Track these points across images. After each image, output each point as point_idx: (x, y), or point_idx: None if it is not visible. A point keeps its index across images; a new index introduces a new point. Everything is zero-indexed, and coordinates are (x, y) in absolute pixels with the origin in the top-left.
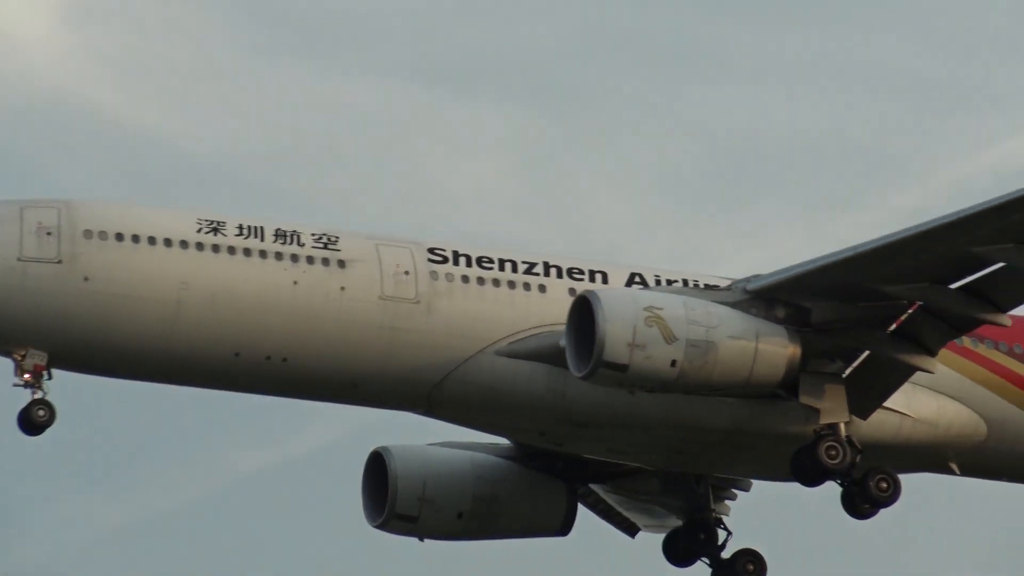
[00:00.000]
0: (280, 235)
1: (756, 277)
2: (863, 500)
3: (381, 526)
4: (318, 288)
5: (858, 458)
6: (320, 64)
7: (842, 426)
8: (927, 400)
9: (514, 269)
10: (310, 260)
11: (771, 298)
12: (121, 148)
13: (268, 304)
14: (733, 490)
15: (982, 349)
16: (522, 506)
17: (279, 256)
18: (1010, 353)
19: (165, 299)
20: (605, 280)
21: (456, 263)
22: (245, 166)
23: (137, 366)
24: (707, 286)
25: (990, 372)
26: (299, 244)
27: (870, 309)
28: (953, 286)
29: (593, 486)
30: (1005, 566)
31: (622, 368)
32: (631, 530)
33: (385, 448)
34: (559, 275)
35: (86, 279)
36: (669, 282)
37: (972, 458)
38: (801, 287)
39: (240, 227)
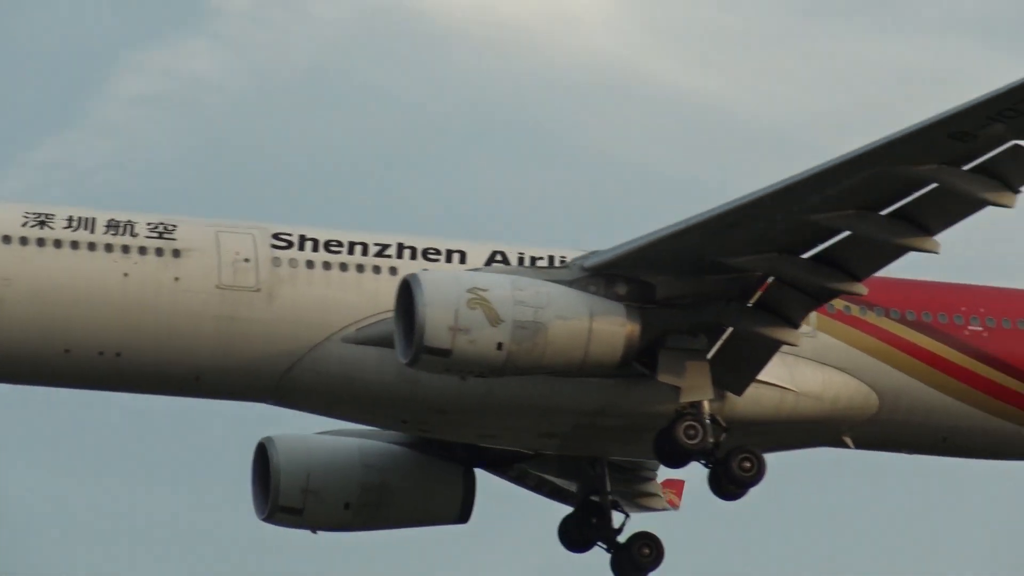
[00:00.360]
0: (112, 226)
1: (595, 253)
2: (727, 480)
3: (267, 519)
4: (150, 279)
5: (723, 437)
6: (867, 23)
7: (706, 404)
8: (811, 373)
9: (364, 252)
10: (142, 251)
11: (612, 274)
12: (680, 117)
13: (97, 298)
14: (651, 471)
15: (871, 317)
16: (414, 494)
17: (109, 248)
18: (902, 320)
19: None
20: (463, 259)
21: (301, 248)
22: (801, 130)
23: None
24: (550, 264)
25: (880, 341)
26: (132, 235)
27: (720, 282)
28: (806, 255)
29: (524, 466)
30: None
31: (445, 353)
32: None
33: (269, 439)
34: (413, 256)
35: None
36: (533, 260)
37: (866, 431)
38: (640, 262)
39: (70, 219)
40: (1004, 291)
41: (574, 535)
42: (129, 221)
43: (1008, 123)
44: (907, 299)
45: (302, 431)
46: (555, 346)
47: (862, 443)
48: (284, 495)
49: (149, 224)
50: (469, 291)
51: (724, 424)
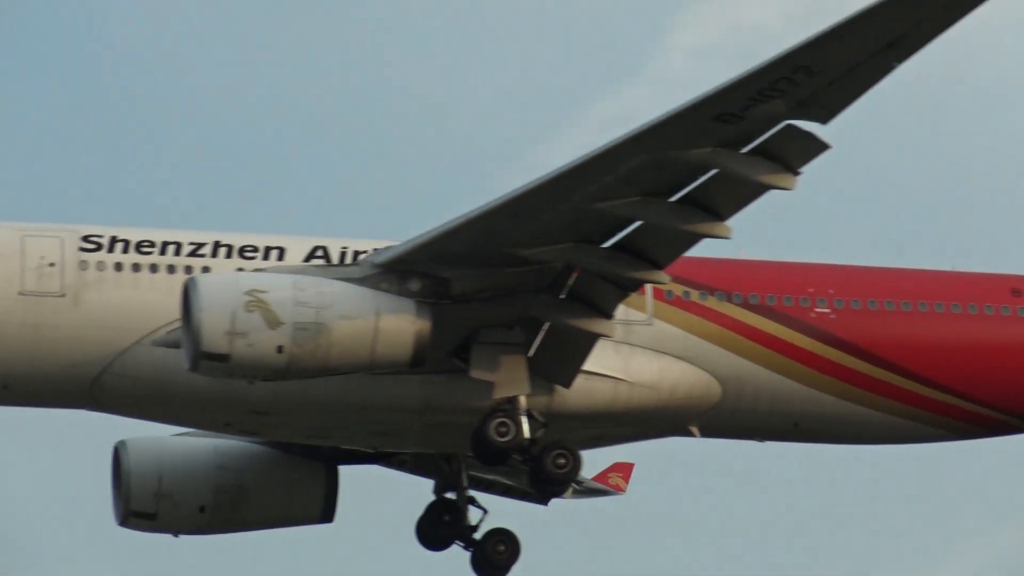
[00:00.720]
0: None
1: (388, 248)
2: (542, 478)
3: (123, 524)
4: None
5: (540, 433)
6: None
7: (522, 399)
8: (647, 362)
9: (177, 252)
10: None
11: (405, 270)
12: None
13: None
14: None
15: (712, 303)
16: (273, 495)
17: None
18: (745, 305)
19: None
20: (281, 256)
21: (111, 250)
22: None
23: None
24: (341, 261)
25: (721, 327)
26: None
27: (521, 275)
28: (606, 245)
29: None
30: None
31: (223, 358)
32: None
33: (123, 442)
34: (228, 255)
35: None
36: (356, 254)
37: (712, 420)
38: (432, 256)
39: None
40: (854, 269)
41: (429, 534)
42: None
43: (774, 102)
44: (751, 282)
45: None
46: (340, 347)
47: (710, 432)
48: (136, 500)
49: None
50: (247, 294)
51: (542, 419)
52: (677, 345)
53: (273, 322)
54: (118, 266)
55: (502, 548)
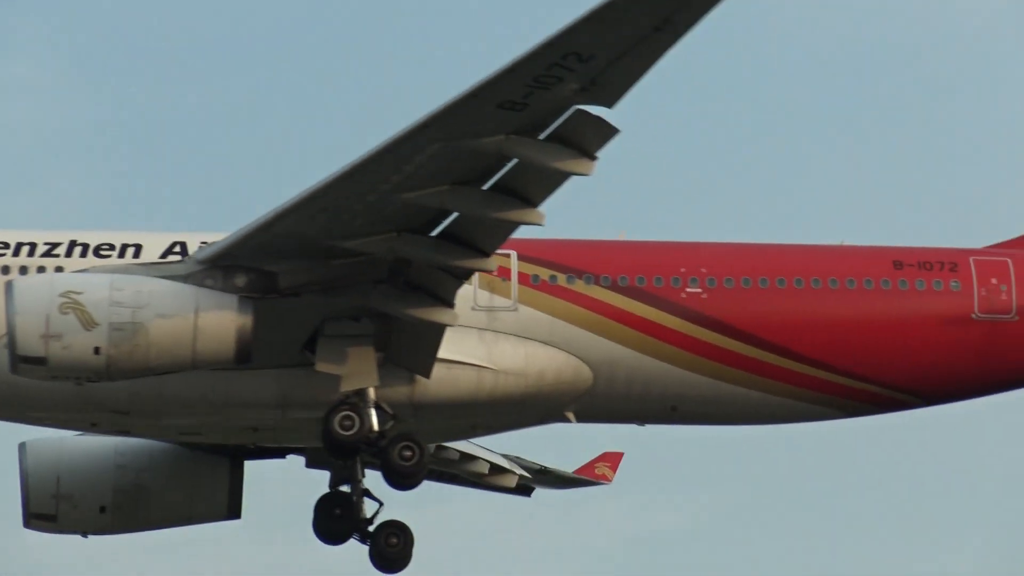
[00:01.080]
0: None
1: (213, 244)
2: (389, 470)
3: (27, 526)
4: None
5: (389, 425)
6: None
7: (371, 391)
8: (512, 349)
9: (31, 253)
10: None
11: (230, 266)
12: None
13: None
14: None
15: (579, 286)
16: (174, 494)
17: None
18: (614, 287)
19: None
20: (138, 253)
21: None
22: None
23: None
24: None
25: (588, 311)
26: None
27: (352, 266)
28: (432, 234)
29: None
30: None
31: (40, 361)
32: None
33: (23, 444)
34: (83, 254)
35: None
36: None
37: (587, 405)
38: (254, 251)
39: None
40: (729, 247)
41: (325, 528)
42: None
43: (555, 88)
44: (621, 264)
45: None
46: (159, 346)
47: (586, 417)
48: (35, 502)
49: None
50: (62, 295)
51: (391, 411)
52: (543, 330)
53: (88, 323)
54: None
55: (394, 540)
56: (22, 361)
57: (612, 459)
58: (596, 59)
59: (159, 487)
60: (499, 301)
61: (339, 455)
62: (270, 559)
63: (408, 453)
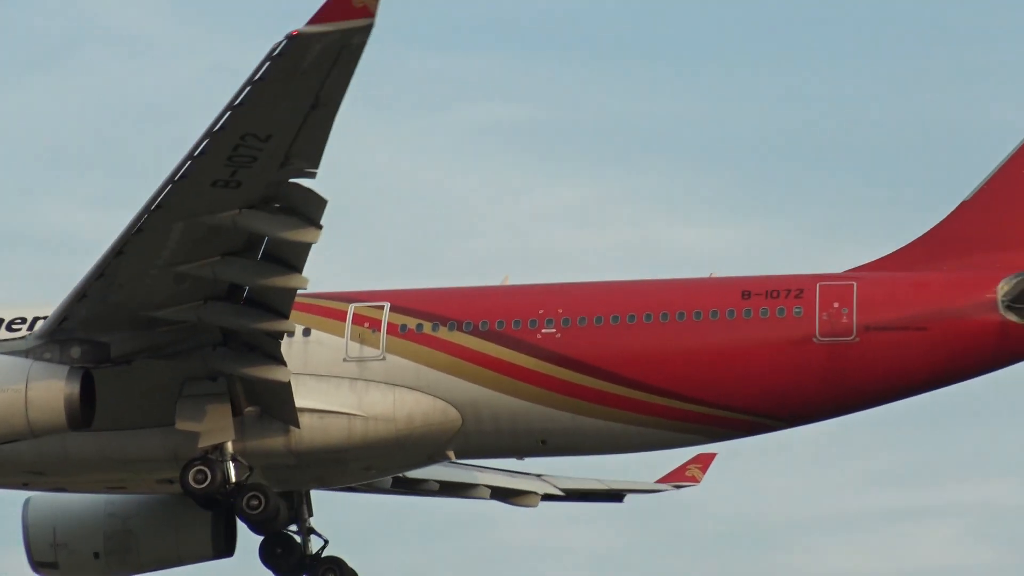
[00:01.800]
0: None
1: (46, 319)
2: (242, 518)
3: (36, 572)
4: None
5: (246, 475)
6: None
7: (229, 445)
8: (381, 396)
9: None
10: None
11: (65, 339)
12: None
13: None
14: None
15: (443, 333)
16: (159, 538)
17: None
18: (475, 332)
19: None
20: None
21: None
22: None
23: None
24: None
25: (451, 356)
26: None
27: (176, 333)
28: (236, 300)
29: None
30: None
31: None
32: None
33: (28, 498)
34: None
35: None
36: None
37: (462, 444)
38: (81, 323)
39: None
40: (587, 286)
41: (276, 564)
42: None
43: (255, 165)
44: (484, 309)
45: None
46: None
47: (465, 455)
48: (36, 551)
49: None
50: None
51: (246, 463)
52: (409, 376)
53: None
54: None
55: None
56: None
57: (703, 460)
58: (275, 137)
59: (147, 532)
60: (368, 351)
61: (201, 504)
62: None
63: (255, 502)
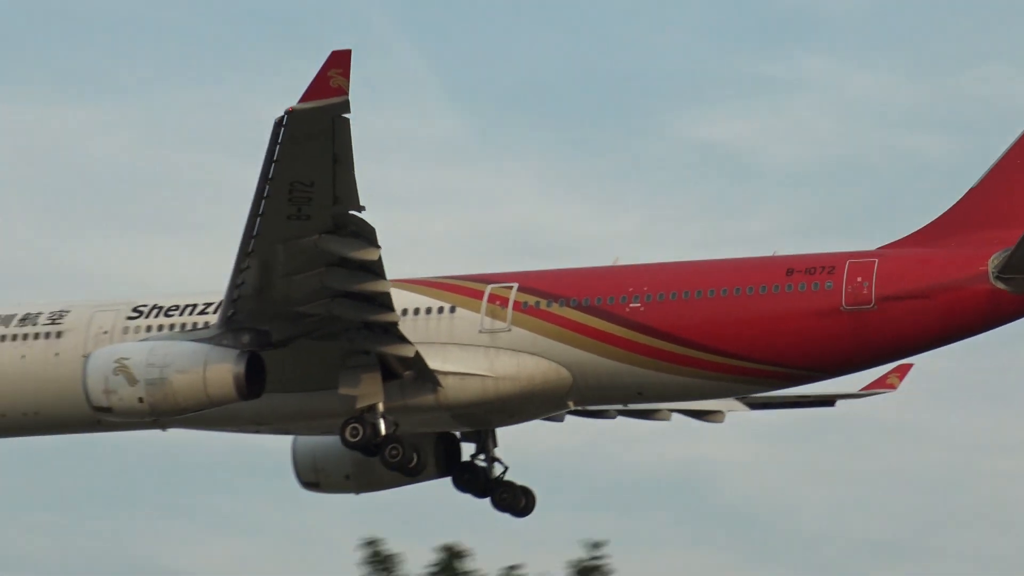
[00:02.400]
0: (24, 319)
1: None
2: (386, 467)
3: (305, 488)
4: (39, 357)
5: (394, 428)
6: None
7: (380, 405)
8: (507, 360)
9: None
10: (36, 336)
11: (238, 328)
12: None
13: (8, 375)
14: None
15: (555, 308)
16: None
17: (15, 337)
18: (579, 307)
19: None
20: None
21: (147, 316)
22: None
23: None
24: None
25: (561, 328)
26: (33, 324)
27: (320, 320)
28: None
29: None
30: None
31: (107, 410)
32: None
33: (294, 438)
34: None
35: None
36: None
37: (577, 396)
38: (247, 316)
39: None
40: (663, 267)
41: (467, 489)
42: (37, 313)
43: (312, 204)
44: (584, 288)
45: None
46: (181, 393)
47: (583, 403)
48: (302, 474)
49: (49, 313)
50: (116, 361)
51: (394, 420)
52: (531, 344)
53: (132, 380)
54: (148, 328)
55: (505, 496)
56: (95, 410)
57: (901, 370)
58: (317, 183)
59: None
60: (498, 324)
61: (363, 454)
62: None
63: (395, 452)
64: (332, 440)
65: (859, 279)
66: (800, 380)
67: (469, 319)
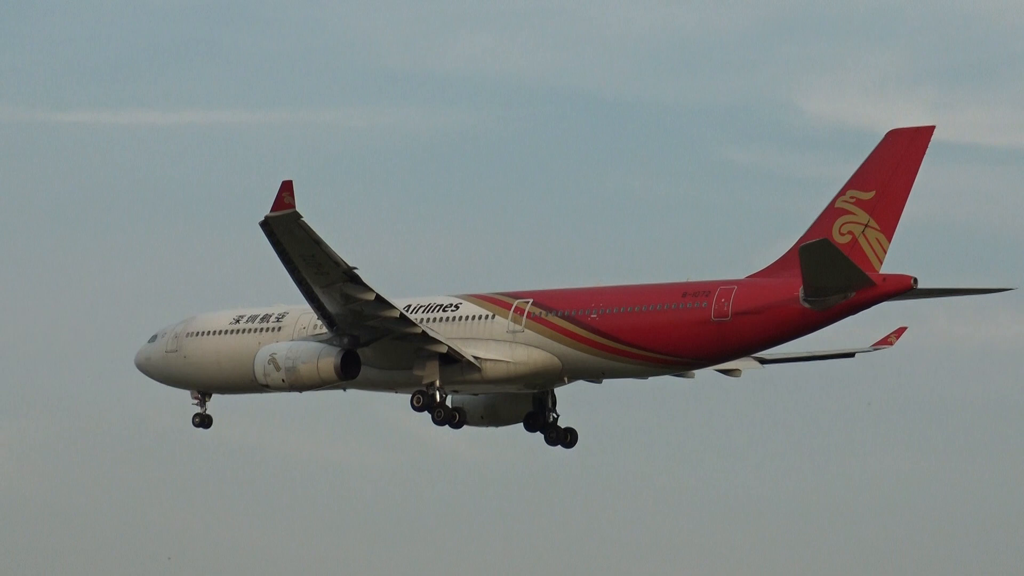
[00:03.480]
0: (264, 318)
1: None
2: (435, 423)
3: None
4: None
5: (448, 399)
6: None
7: (437, 381)
8: (521, 351)
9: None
10: (266, 331)
11: (341, 333)
12: None
13: (247, 356)
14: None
15: (551, 317)
16: (508, 407)
17: (255, 331)
18: (563, 316)
19: (207, 362)
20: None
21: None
22: None
23: (220, 388)
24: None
25: (553, 330)
26: (265, 321)
27: (381, 331)
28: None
29: None
30: None
31: (265, 386)
32: None
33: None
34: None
35: (184, 357)
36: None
37: (569, 374)
38: (343, 324)
39: (237, 318)
40: (610, 289)
41: (531, 427)
42: (269, 314)
43: (326, 266)
44: (565, 303)
45: None
46: (305, 376)
47: (573, 379)
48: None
49: (275, 314)
50: (269, 355)
51: (445, 391)
52: (535, 340)
53: (277, 368)
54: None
55: (553, 436)
56: (262, 387)
57: (899, 332)
58: (315, 256)
59: (503, 404)
60: (515, 327)
61: (427, 413)
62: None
63: (441, 413)
64: (477, 400)
65: (723, 301)
66: (688, 366)
67: (501, 323)
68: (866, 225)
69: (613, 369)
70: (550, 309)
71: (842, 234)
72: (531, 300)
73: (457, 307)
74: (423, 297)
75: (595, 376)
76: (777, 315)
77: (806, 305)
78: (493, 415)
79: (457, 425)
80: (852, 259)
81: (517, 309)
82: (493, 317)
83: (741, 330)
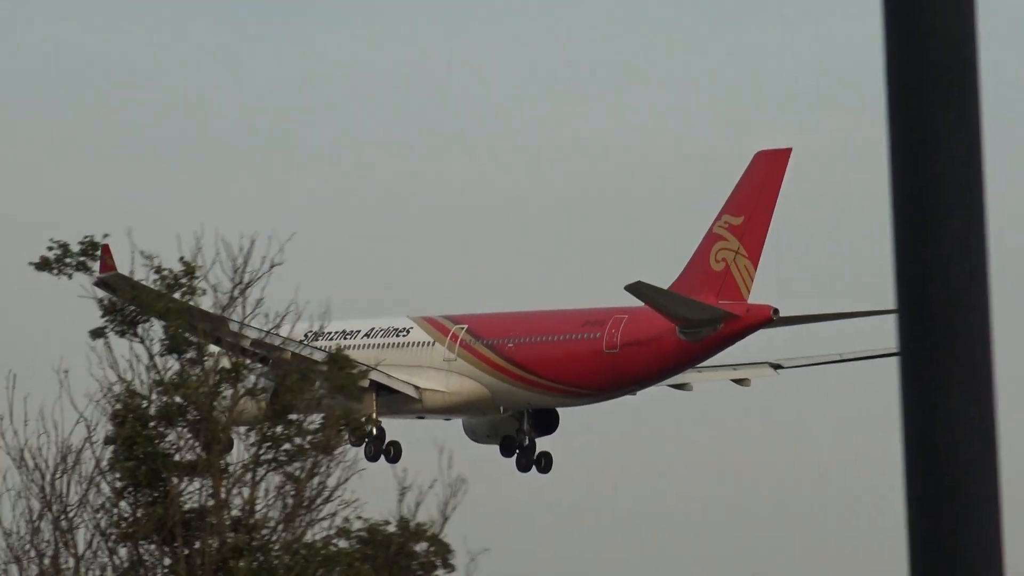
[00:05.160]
0: (386, 332)
1: None
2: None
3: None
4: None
5: (377, 432)
6: None
7: (373, 414)
8: (454, 380)
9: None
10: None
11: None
12: None
13: None
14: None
15: (478, 345)
16: (501, 427)
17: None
18: (487, 345)
19: None
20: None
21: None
22: None
23: None
24: None
25: (477, 359)
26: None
27: None
28: None
29: None
30: None
31: None
32: None
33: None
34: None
35: None
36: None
37: (503, 403)
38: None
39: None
40: (527, 315)
41: (506, 452)
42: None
43: None
44: (489, 330)
45: None
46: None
47: (508, 410)
48: (467, 431)
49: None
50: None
51: (379, 421)
52: (466, 369)
53: None
54: None
55: (523, 461)
56: None
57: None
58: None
59: (499, 425)
60: (449, 355)
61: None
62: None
63: (370, 448)
64: (482, 420)
65: (613, 331)
66: (588, 398)
67: (439, 351)
68: (736, 252)
69: (536, 401)
70: (479, 337)
71: (717, 261)
72: (466, 326)
73: (408, 332)
74: (387, 319)
75: (525, 407)
76: (659, 347)
77: (682, 337)
78: (495, 434)
79: (393, 460)
80: (726, 288)
81: (452, 336)
82: (433, 344)
83: (629, 361)
